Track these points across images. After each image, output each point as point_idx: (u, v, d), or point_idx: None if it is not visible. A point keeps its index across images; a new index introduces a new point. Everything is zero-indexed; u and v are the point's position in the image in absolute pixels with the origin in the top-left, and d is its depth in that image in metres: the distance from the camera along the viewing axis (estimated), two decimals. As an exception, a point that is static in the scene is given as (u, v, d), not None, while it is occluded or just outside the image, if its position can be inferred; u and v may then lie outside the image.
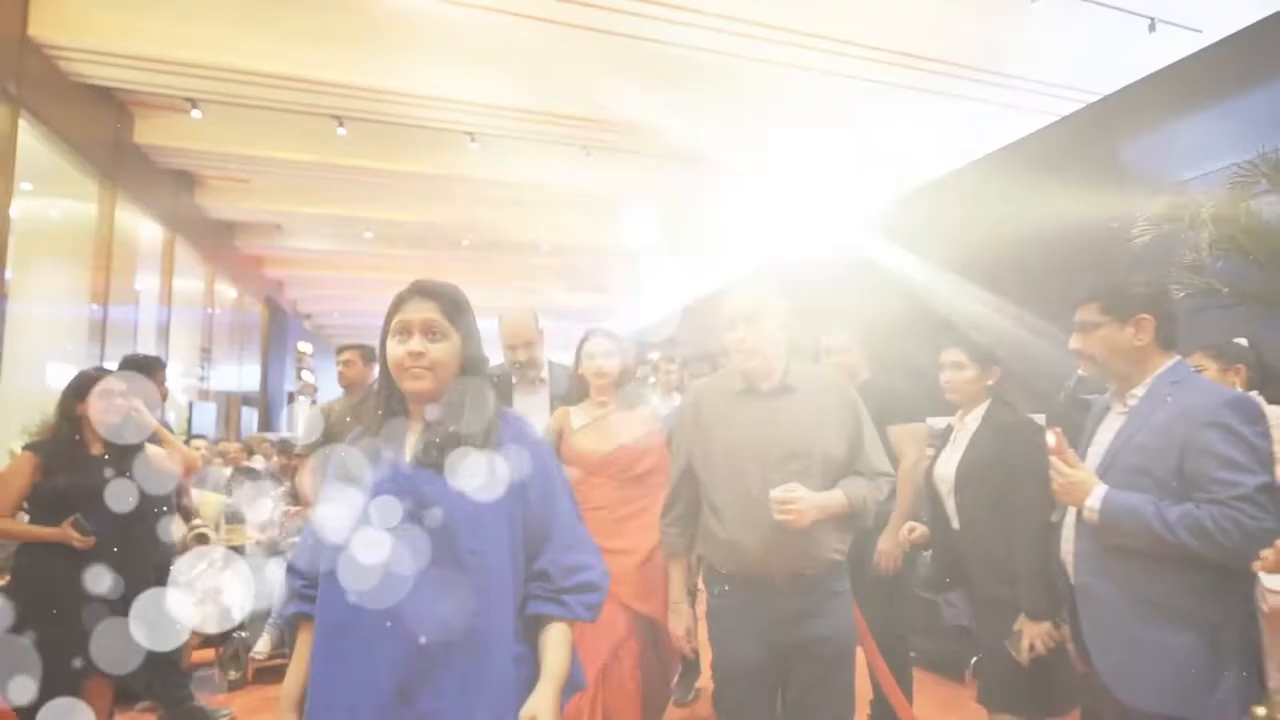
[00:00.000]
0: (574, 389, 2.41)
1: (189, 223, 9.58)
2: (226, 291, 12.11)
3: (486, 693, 1.13)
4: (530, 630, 1.21)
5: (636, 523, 2.15)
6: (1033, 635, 1.77)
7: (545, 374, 2.73)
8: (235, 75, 6.35)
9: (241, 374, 13.20)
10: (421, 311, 1.23)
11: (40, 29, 5.65)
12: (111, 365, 7.18)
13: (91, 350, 7.17)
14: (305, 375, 14.84)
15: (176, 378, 9.40)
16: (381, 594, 1.12)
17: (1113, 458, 1.51)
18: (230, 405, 12.25)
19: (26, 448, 2.34)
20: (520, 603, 1.20)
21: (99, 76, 6.42)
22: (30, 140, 5.84)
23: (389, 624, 1.12)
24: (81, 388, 2.33)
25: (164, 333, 8.98)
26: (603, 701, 2.01)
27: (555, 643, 1.20)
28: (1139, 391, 1.53)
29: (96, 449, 2.30)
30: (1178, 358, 1.55)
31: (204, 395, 10.76)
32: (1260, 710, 1.14)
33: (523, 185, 9.15)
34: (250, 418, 13.59)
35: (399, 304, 1.27)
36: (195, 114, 7.10)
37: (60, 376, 6.75)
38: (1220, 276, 4.68)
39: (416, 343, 1.21)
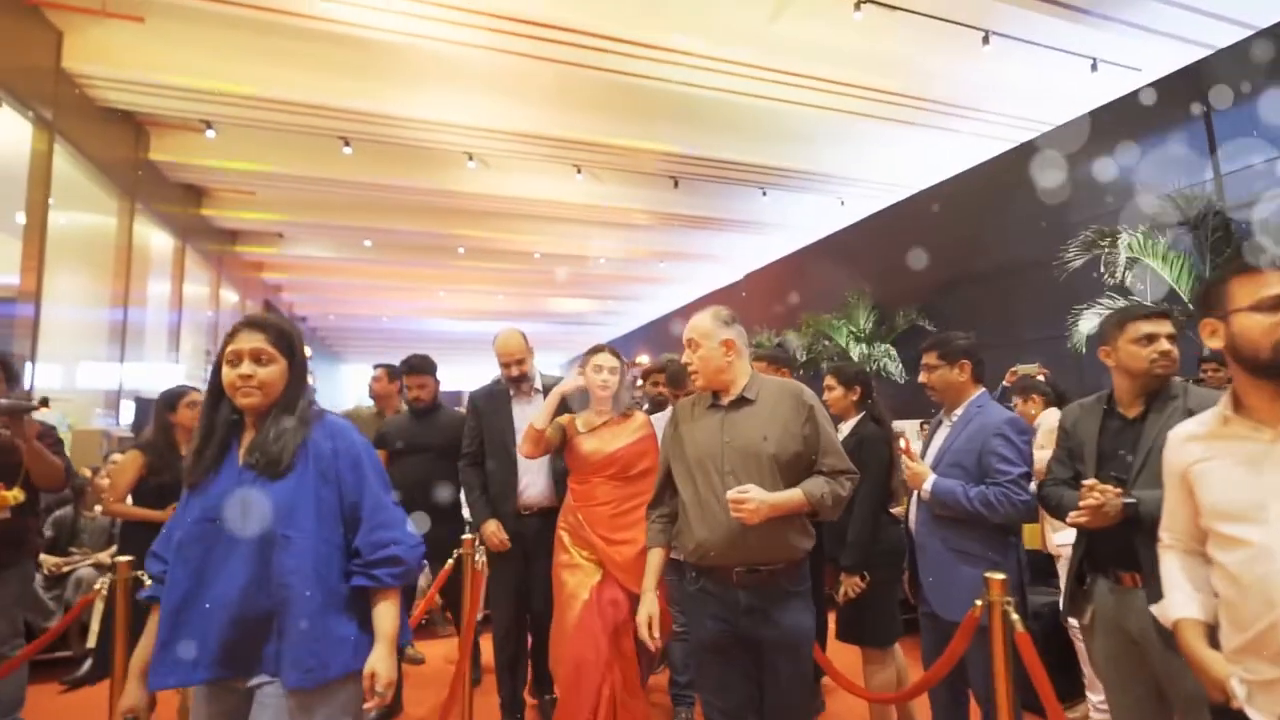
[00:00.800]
0: (581, 399, 2.63)
1: (197, 232, 10.04)
2: (229, 296, 12.52)
3: (301, 648, 1.34)
4: (360, 598, 1.44)
5: (634, 516, 2.36)
6: (846, 585, 2.42)
7: (539, 384, 2.95)
8: (250, 101, 6.83)
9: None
10: (251, 341, 1.41)
11: (72, 61, 6.13)
12: (131, 365, 7.62)
13: (112, 350, 7.64)
14: (308, 379, 15.19)
15: (183, 379, 9.83)
16: (208, 574, 1.35)
17: (940, 456, 2.16)
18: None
19: (135, 448, 2.86)
20: (344, 576, 1.43)
21: (123, 102, 6.89)
22: (59, 159, 6.31)
23: (210, 602, 1.34)
24: (172, 400, 2.85)
25: (174, 335, 9.44)
26: (617, 668, 2.32)
27: (381, 609, 1.43)
28: (958, 412, 2.19)
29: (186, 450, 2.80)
30: (983, 389, 2.21)
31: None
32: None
33: (517, 199, 9.66)
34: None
35: (232, 336, 1.44)
36: (209, 134, 7.59)
37: (87, 375, 7.22)
38: (1141, 294, 5.32)
39: (246, 367, 1.40)
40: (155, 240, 9.06)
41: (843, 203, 10.17)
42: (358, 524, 1.44)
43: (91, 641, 3.31)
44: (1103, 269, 5.29)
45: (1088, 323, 5.41)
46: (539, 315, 18.90)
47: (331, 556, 1.40)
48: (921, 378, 2.25)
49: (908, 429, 5.29)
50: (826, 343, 8.88)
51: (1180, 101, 5.89)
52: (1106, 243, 5.27)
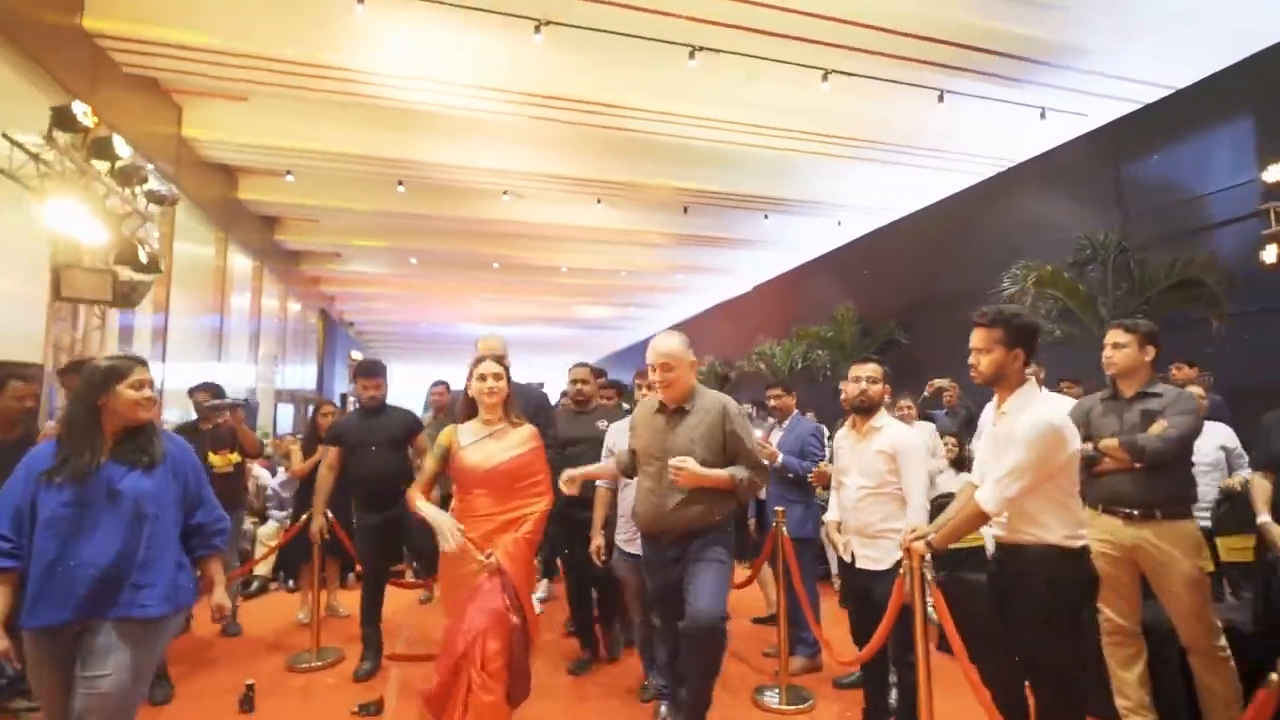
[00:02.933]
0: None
1: (271, 254, 11.59)
2: (293, 306, 14.12)
3: (163, 570, 1.87)
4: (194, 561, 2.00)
5: (511, 532, 2.41)
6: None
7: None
8: (323, 154, 8.23)
9: (303, 375, 15.23)
10: (147, 374, 1.98)
11: (189, 129, 7.61)
12: (224, 365, 9.09)
13: (211, 352, 9.14)
14: (358, 379, 16.82)
15: (255, 380, 11.35)
16: (88, 542, 1.79)
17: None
18: (297, 402, 14.22)
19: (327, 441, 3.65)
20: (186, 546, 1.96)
21: (224, 158, 8.38)
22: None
23: (95, 554, 1.79)
24: (317, 405, 4.17)
25: (254, 339, 11.01)
26: (484, 640, 2.29)
27: (215, 567, 2.07)
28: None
29: None
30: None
31: (280, 396, 12.76)
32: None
33: (545, 225, 10.97)
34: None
35: (124, 375, 1.89)
36: (288, 178, 9.05)
37: (197, 373, 8.74)
38: (1052, 319, 6.37)
39: (149, 391, 1.95)
40: (238, 262, 10.59)
41: (839, 223, 11.24)
42: (196, 507, 2.01)
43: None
44: (1023, 298, 6.36)
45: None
46: (564, 321, 20.29)
47: (179, 529, 1.97)
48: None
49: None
50: (819, 352, 10.01)
51: (1096, 156, 6.95)
52: (1025, 276, 6.33)
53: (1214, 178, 5.85)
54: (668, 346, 2.36)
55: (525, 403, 2.95)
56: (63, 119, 3.70)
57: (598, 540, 3.05)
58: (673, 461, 2.23)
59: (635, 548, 2.83)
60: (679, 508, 2.30)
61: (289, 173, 8.91)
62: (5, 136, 3.45)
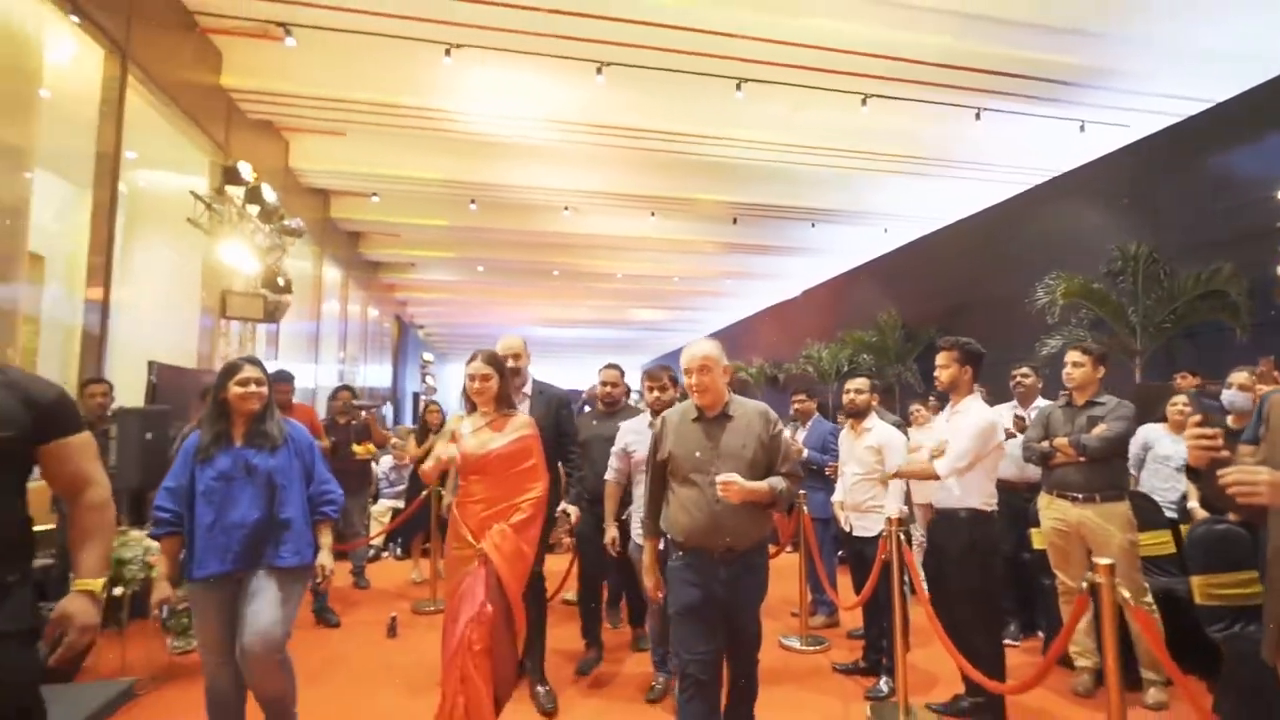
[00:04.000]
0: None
1: (355, 266, 12.73)
2: (371, 311, 15.33)
3: (288, 533, 2.25)
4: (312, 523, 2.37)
5: (506, 517, 2.52)
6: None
7: (529, 389, 3.18)
8: (407, 180, 9.19)
9: (380, 374, 16.47)
10: (254, 373, 2.31)
11: (294, 160, 8.67)
12: (319, 366, 10.17)
13: (309, 354, 10.24)
14: (429, 380, 18.05)
15: (338, 378, 12.50)
16: (235, 508, 2.20)
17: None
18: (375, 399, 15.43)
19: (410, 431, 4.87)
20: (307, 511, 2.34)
21: (321, 183, 9.45)
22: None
23: (243, 517, 2.20)
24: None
25: (342, 341, 12.16)
26: (469, 629, 2.41)
27: (322, 532, 2.38)
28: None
29: None
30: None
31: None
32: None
33: (602, 236, 11.74)
34: (386, 412, 16.86)
35: (234, 370, 2.28)
36: (374, 199, 10.08)
37: (301, 373, 9.84)
38: (1084, 328, 6.71)
39: (254, 388, 2.29)
40: (329, 274, 11.72)
41: (885, 230, 11.62)
42: (310, 480, 2.36)
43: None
44: (1053, 307, 6.72)
45: (1048, 348, 6.83)
46: (618, 324, 21.11)
47: (305, 496, 2.34)
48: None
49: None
50: (865, 356, 10.45)
51: (1132, 169, 7.21)
52: (1057, 286, 6.69)
53: (1244, 191, 6.09)
54: (705, 349, 2.31)
55: (548, 400, 3.13)
56: (231, 176, 4.64)
57: (611, 532, 3.11)
58: (720, 479, 2.12)
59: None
60: (732, 520, 2.18)
61: (375, 194, 9.92)
62: (193, 194, 4.39)
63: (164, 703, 2.89)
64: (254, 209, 5.04)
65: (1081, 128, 7.93)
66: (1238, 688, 2.21)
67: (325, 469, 2.44)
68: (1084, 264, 6.95)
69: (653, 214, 10.75)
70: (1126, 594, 1.91)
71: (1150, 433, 3.72)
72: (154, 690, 2.98)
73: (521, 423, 2.65)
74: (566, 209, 10.48)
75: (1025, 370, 4.34)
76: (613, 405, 3.60)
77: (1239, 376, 2.89)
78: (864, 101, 7.19)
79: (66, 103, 4.85)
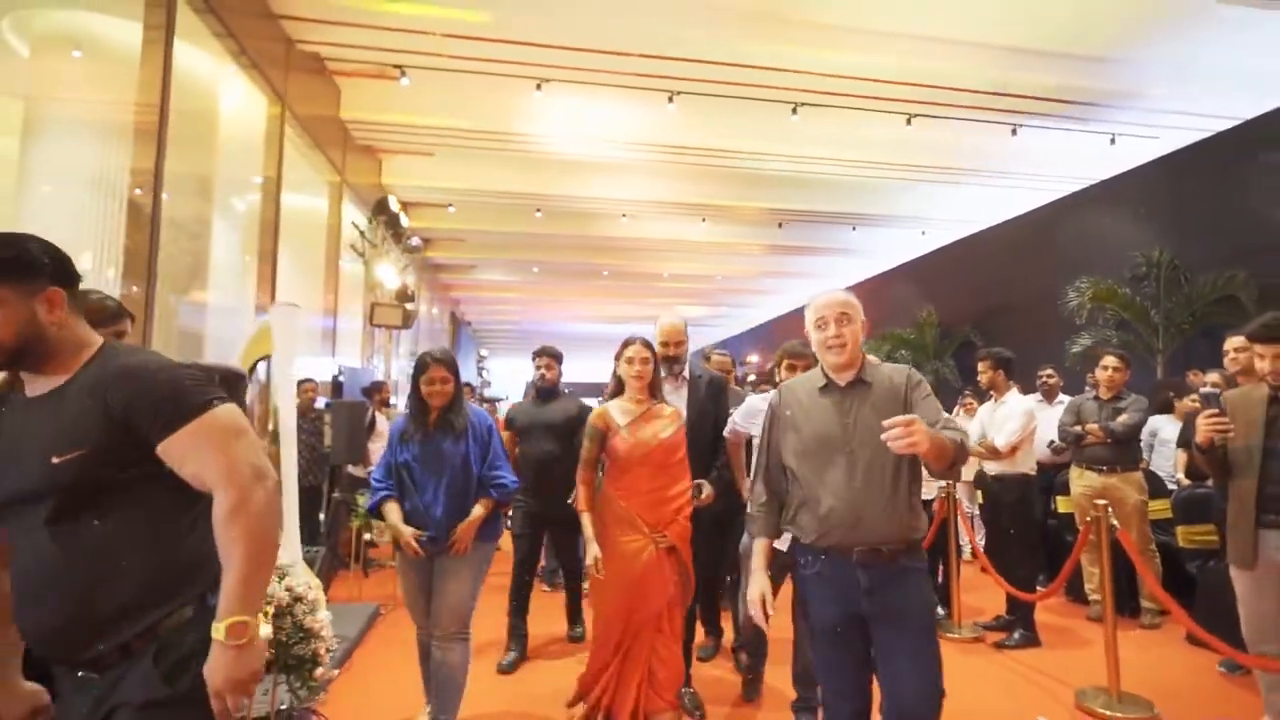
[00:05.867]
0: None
1: (425, 268, 13.76)
2: (433, 310, 16.39)
3: (462, 519, 2.48)
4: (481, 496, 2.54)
5: (675, 505, 2.62)
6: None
7: (686, 371, 3.11)
8: (479, 192, 10.05)
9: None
10: (440, 371, 2.52)
11: (386, 178, 9.64)
12: (393, 363, 11.24)
13: (365, 351, 11.25)
14: (484, 374, 19.11)
15: (399, 371, 13.54)
16: (432, 486, 2.48)
17: None
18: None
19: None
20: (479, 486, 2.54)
21: (405, 196, 10.40)
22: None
23: (432, 496, 2.48)
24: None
25: (415, 338, 13.19)
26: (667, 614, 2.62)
27: (479, 507, 2.53)
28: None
29: None
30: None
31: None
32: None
33: (655, 240, 12.57)
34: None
35: (424, 368, 2.51)
36: (450, 210, 11.03)
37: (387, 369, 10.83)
38: (1110, 329, 7.35)
39: (437, 385, 2.50)
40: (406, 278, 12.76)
41: (923, 233, 12.24)
42: (486, 462, 2.56)
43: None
44: (1081, 310, 7.38)
45: (1078, 346, 7.48)
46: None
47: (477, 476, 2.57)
48: None
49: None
50: (903, 352, 11.13)
51: (1158, 181, 7.81)
52: (1085, 290, 7.34)
53: (1259, 205, 6.67)
54: (843, 296, 1.96)
55: (708, 383, 3.07)
56: (381, 207, 5.57)
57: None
58: (893, 421, 1.59)
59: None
60: (875, 510, 1.79)
61: (451, 205, 10.87)
62: (354, 225, 5.33)
63: (405, 619, 2.95)
64: (390, 233, 5.97)
65: (1112, 140, 8.49)
66: (1204, 602, 3.01)
67: (503, 455, 2.64)
68: (1110, 269, 7.58)
69: (703, 219, 11.55)
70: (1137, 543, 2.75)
71: (1156, 422, 4.48)
72: (394, 609, 3.87)
73: (673, 412, 2.69)
74: (624, 216, 11.32)
75: (1050, 371, 5.12)
76: (550, 391, 3.74)
77: (1213, 376, 3.65)
78: (908, 121, 7.88)
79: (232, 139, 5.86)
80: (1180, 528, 3.46)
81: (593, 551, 2.57)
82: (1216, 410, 2.45)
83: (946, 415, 1.87)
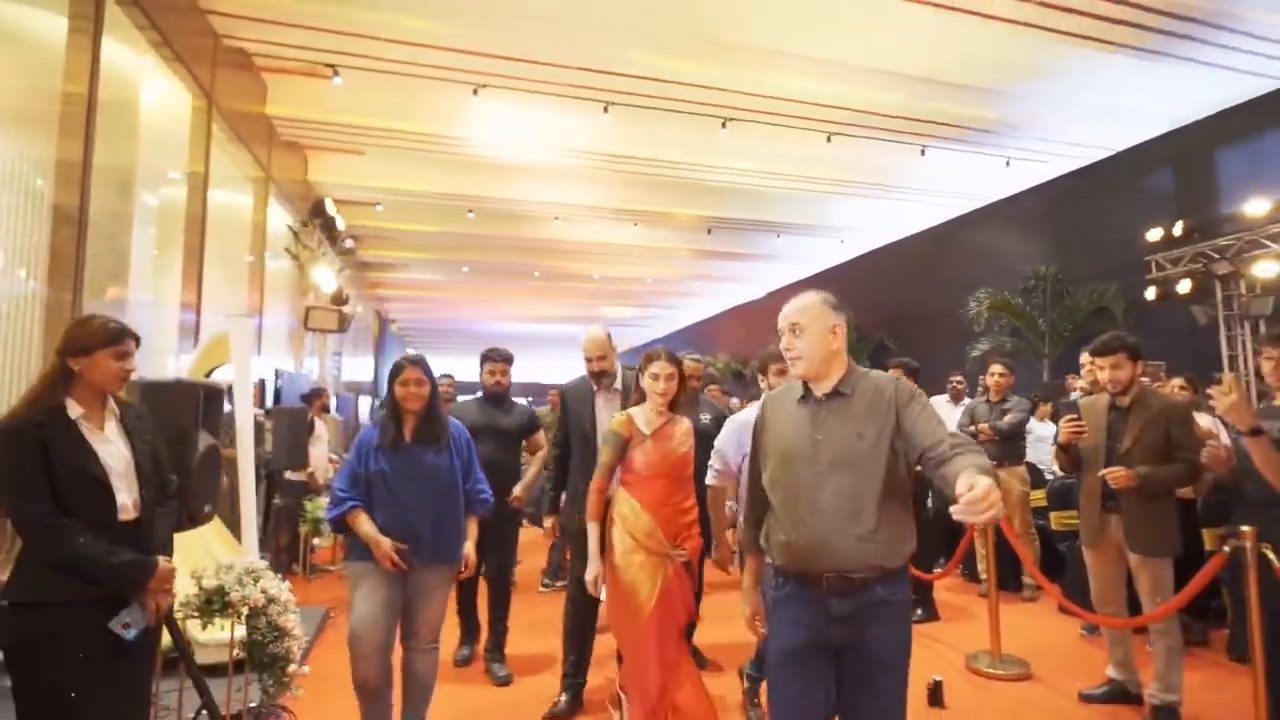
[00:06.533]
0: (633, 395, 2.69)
1: (349, 266, 13.39)
2: (357, 308, 15.94)
3: (454, 528, 2.44)
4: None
5: (690, 516, 2.59)
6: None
7: (618, 383, 3.13)
8: (412, 192, 9.96)
9: (361, 368, 17.08)
10: (415, 374, 2.44)
11: (312, 175, 9.39)
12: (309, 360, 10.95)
13: (298, 354, 10.93)
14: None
15: (323, 370, 13.16)
16: (408, 500, 2.35)
17: None
18: (359, 393, 16.04)
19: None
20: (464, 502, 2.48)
21: (333, 195, 10.14)
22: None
23: (411, 511, 2.35)
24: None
25: (337, 338, 12.81)
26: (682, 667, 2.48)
27: (472, 525, 2.53)
28: None
29: None
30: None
31: (347, 387, 14.58)
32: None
33: (587, 243, 12.74)
34: (365, 405, 17.45)
35: (399, 370, 2.43)
36: (378, 208, 10.84)
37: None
38: (1005, 334, 8.12)
39: (413, 387, 2.41)
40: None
41: (842, 241, 12.97)
42: (467, 477, 2.50)
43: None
44: (980, 318, 8.13)
45: (977, 351, 8.23)
46: (590, 319, 22.09)
47: (462, 490, 2.50)
48: None
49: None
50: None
51: (1044, 203, 8.66)
52: (983, 300, 8.09)
53: (1127, 227, 7.55)
54: (799, 303, 1.83)
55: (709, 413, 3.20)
56: (317, 209, 5.51)
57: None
58: (967, 498, 1.31)
59: None
60: (854, 532, 1.63)
61: (379, 204, 10.68)
62: (290, 228, 5.25)
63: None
64: (326, 235, 5.91)
65: (1007, 164, 9.31)
66: (1071, 577, 3.52)
67: (479, 465, 2.60)
68: (1006, 281, 8.37)
69: (635, 224, 11.83)
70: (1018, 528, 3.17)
71: (1032, 422, 5.09)
72: (343, 612, 3.85)
73: (689, 426, 2.63)
74: (557, 219, 11.45)
75: (959, 377, 5.71)
76: (502, 396, 3.67)
77: (1080, 382, 4.22)
78: (829, 139, 8.41)
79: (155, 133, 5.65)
80: (1053, 513, 4.01)
81: (595, 568, 2.49)
82: (1075, 415, 2.91)
83: (951, 431, 1.67)
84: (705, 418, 3.39)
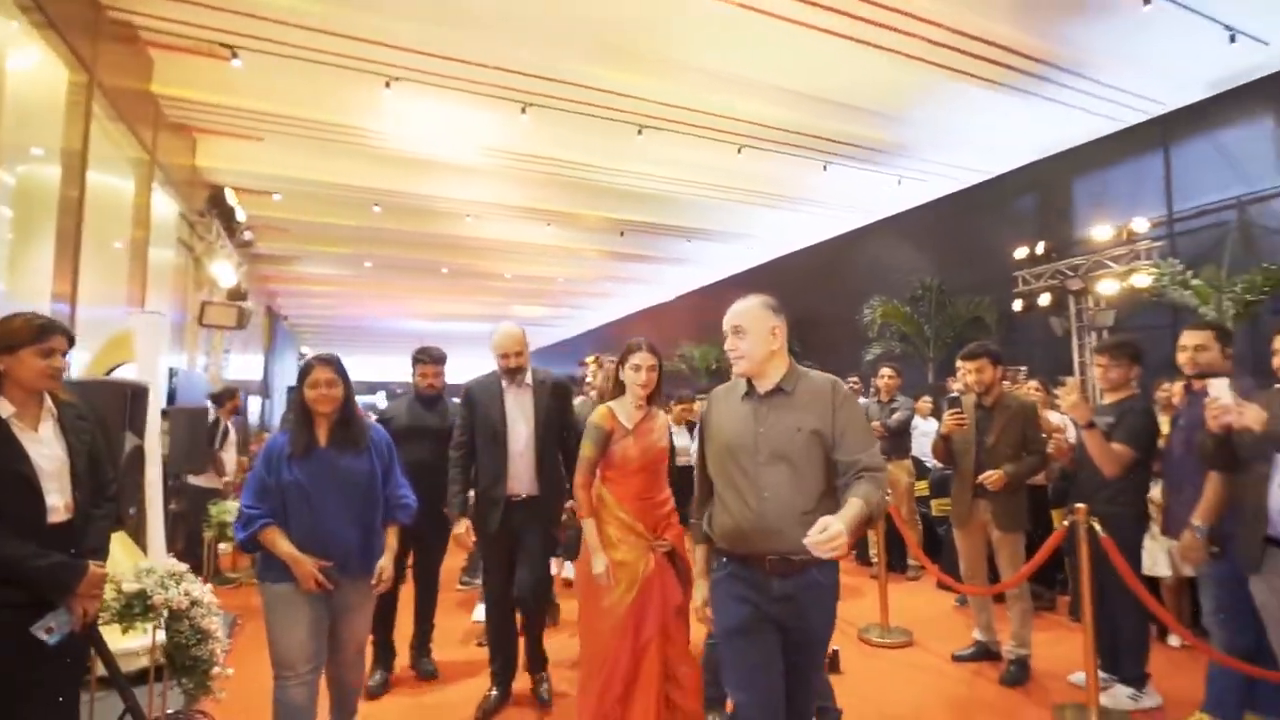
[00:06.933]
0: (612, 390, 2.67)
1: (248, 260, 12.58)
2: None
3: (375, 544, 2.30)
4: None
5: (666, 509, 2.61)
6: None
7: (529, 379, 3.05)
8: (314, 182, 9.49)
9: (250, 366, 16.04)
10: (326, 374, 2.26)
11: (201, 160, 8.79)
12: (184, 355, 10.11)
13: (177, 344, 10.10)
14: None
15: (207, 367, 12.32)
16: (326, 510, 2.18)
17: None
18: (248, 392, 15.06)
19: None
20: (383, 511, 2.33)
21: (225, 181, 9.51)
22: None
23: (331, 522, 2.19)
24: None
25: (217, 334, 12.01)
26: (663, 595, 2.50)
27: (391, 535, 2.36)
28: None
29: None
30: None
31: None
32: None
33: (499, 241, 12.63)
34: (255, 405, 16.42)
35: (308, 371, 2.24)
36: (276, 198, 10.28)
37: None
38: (895, 340, 8.80)
39: (324, 389, 2.23)
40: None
41: (749, 248, 13.55)
42: (387, 484, 2.35)
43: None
44: (873, 324, 8.78)
45: (870, 355, 8.88)
46: (500, 319, 21.30)
47: (382, 497, 2.35)
48: None
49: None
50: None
51: (929, 220, 9.47)
52: (876, 308, 8.75)
53: (998, 245, 8.40)
54: (741, 307, 1.97)
55: (551, 387, 3.09)
56: (215, 200, 5.20)
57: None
58: (815, 539, 1.53)
59: None
60: (794, 518, 1.75)
61: (277, 194, 10.12)
62: (183, 217, 4.93)
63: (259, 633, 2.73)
64: (224, 226, 5.59)
65: (899, 182, 10.09)
66: (947, 557, 3.97)
67: (400, 470, 2.44)
68: (896, 290, 9.07)
69: (549, 224, 11.84)
70: (905, 515, 3.53)
71: (917, 419, 5.61)
72: (251, 620, 3.75)
73: (665, 421, 2.65)
74: (469, 216, 11.28)
75: (854, 379, 6.18)
76: (435, 398, 3.59)
77: (957, 384, 4.72)
78: (739, 150, 8.81)
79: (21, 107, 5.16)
80: (934, 501, 4.50)
81: (601, 561, 2.45)
82: (959, 410, 3.31)
83: (870, 453, 1.82)
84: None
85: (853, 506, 1.65)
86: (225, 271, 5.24)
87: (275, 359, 18.11)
